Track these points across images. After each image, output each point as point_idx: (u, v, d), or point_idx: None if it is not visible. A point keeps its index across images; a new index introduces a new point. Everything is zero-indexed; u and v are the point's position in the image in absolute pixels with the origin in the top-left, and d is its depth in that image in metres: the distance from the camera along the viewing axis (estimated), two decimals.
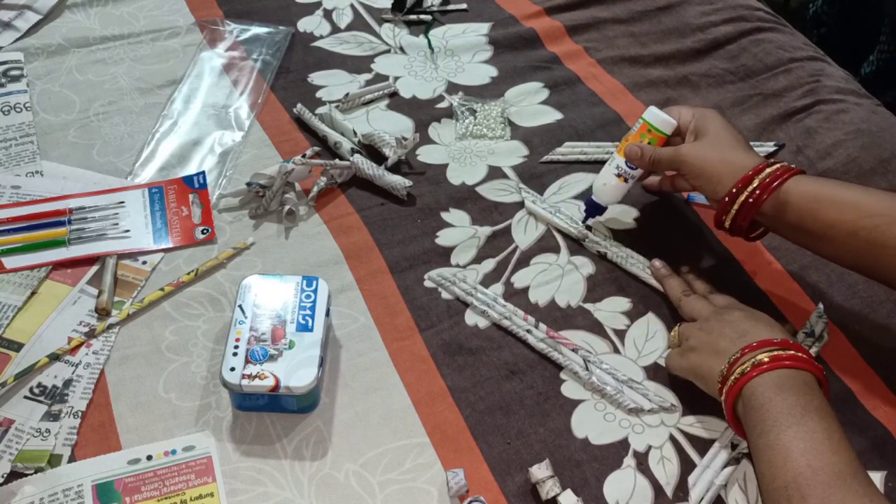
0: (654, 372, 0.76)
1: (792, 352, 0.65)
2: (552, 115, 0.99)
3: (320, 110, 0.96)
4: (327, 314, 0.74)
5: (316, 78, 1.02)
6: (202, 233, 0.85)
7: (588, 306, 0.80)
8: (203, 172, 0.89)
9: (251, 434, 0.70)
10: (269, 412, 0.71)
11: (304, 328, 0.71)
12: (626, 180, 0.82)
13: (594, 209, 0.84)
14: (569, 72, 1.04)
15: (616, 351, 0.77)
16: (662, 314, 0.80)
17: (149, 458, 0.68)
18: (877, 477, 0.69)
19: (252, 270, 0.82)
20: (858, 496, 0.56)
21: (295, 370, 0.69)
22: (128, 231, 0.84)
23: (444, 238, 0.86)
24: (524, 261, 0.84)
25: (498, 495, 0.68)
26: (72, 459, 0.68)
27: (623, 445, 0.71)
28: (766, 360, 0.64)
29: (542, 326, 0.78)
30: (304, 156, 0.89)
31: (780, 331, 0.69)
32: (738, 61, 1.06)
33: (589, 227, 0.86)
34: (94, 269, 0.81)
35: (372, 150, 0.93)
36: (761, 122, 0.98)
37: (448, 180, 0.91)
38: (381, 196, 0.89)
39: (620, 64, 1.06)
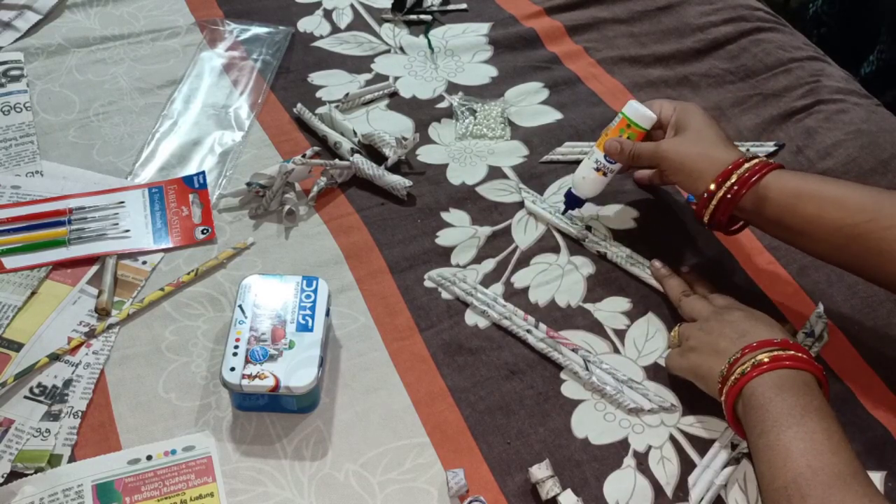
0: (654, 372, 0.76)
1: (792, 352, 0.65)
2: (552, 115, 0.99)
3: (320, 110, 0.96)
4: (327, 314, 0.74)
5: (316, 78, 1.02)
6: (202, 233, 0.85)
7: (588, 306, 0.80)
8: (203, 172, 0.89)
9: (251, 434, 0.70)
10: (269, 412, 0.71)
11: (304, 328, 0.71)
12: (605, 174, 0.82)
13: (573, 202, 0.84)
14: (569, 72, 1.04)
15: (616, 351, 0.77)
16: (662, 314, 0.80)
17: (149, 458, 0.68)
18: (877, 477, 0.69)
19: (252, 270, 0.82)
20: (858, 496, 0.56)
21: (295, 370, 0.69)
22: (128, 231, 0.84)
23: (444, 238, 0.86)
24: (524, 261, 0.84)
25: (498, 495, 0.68)
26: (72, 459, 0.68)
27: (623, 445, 0.71)
28: (766, 360, 0.64)
29: (542, 326, 0.78)
30: (304, 156, 0.89)
31: (779, 331, 0.69)
32: (738, 61, 1.06)
33: (588, 228, 0.86)
34: (94, 269, 0.81)
35: (372, 150, 0.93)
36: (761, 122, 0.98)
37: (448, 180, 0.91)
38: (381, 196, 0.89)
39: (620, 64, 1.06)
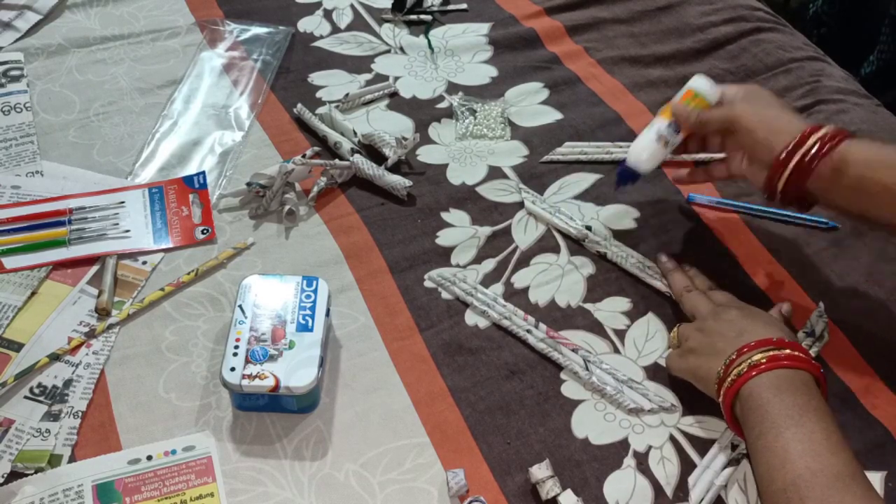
0: (654, 372, 0.76)
1: (788, 351, 0.65)
2: (552, 115, 0.99)
3: (320, 110, 0.96)
4: (327, 314, 0.74)
5: (316, 78, 1.02)
6: (202, 233, 0.85)
7: (588, 306, 0.80)
8: (203, 172, 0.89)
9: (251, 434, 0.70)
10: (269, 412, 0.71)
11: (304, 328, 0.71)
12: (665, 144, 0.78)
13: (627, 176, 0.80)
14: (569, 72, 1.04)
15: (616, 351, 0.77)
16: (662, 314, 0.80)
17: (149, 458, 0.68)
18: (876, 477, 0.69)
19: (252, 270, 0.82)
20: (857, 498, 0.56)
21: (295, 370, 0.69)
22: (128, 231, 0.84)
23: (444, 238, 0.86)
24: (524, 261, 0.84)
25: (498, 495, 0.68)
26: (72, 459, 0.68)
27: (623, 445, 0.71)
28: (762, 360, 0.64)
29: (542, 326, 0.78)
30: (304, 156, 0.89)
31: (778, 328, 0.68)
32: (738, 61, 1.06)
33: (589, 228, 0.86)
34: (95, 269, 0.81)
35: (372, 150, 0.93)
36: None
37: (448, 180, 0.91)
38: (381, 196, 0.89)
39: (620, 64, 1.06)
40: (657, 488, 0.68)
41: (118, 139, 0.94)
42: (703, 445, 0.71)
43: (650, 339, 0.78)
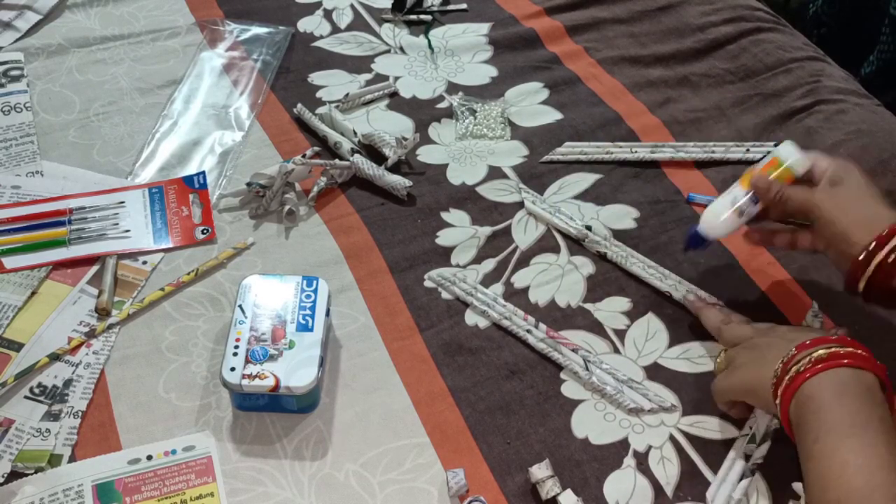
0: (654, 372, 0.76)
1: (850, 349, 0.62)
2: (552, 115, 0.99)
3: (320, 110, 0.96)
4: (327, 314, 0.74)
5: (316, 78, 1.02)
6: (202, 233, 0.85)
7: (588, 306, 0.80)
8: (203, 172, 0.89)
9: (251, 434, 0.70)
10: (269, 412, 0.71)
11: (304, 328, 0.71)
12: (740, 214, 0.73)
13: (696, 241, 0.76)
14: (569, 72, 1.04)
15: (616, 351, 0.77)
16: (662, 314, 0.80)
17: (149, 458, 0.68)
18: None
19: (252, 270, 0.82)
20: None
21: (295, 370, 0.69)
22: (128, 231, 0.84)
23: (444, 238, 0.86)
24: (524, 261, 0.84)
25: (498, 495, 0.68)
26: (72, 459, 0.68)
27: (623, 445, 0.71)
28: (823, 355, 0.61)
29: (542, 326, 0.78)
30: (304, 156, 0.89)
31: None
32: (738, 61, 1.06)
33: (589, 227, 0.86)
34: (95, 269, 0.81)
35: (372, 150, 0.93)
36: (761, 122, 0.98)
37: (448, 180, 0.91)
38: (381, 196, 0.89)
39: (620, 64, 1.06)
40: (657, 488, 0.68)
41: (118, 139, 0.94)
42: (703, 445, 0.71)
43: (650, 338, 0.78)
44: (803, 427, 0.60)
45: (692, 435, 0.71)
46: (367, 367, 0.75)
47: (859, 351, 0.62)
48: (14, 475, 0.66)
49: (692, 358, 0.77)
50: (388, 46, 1.07)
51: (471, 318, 0.79)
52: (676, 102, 1.01)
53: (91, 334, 0.76)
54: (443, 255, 0.84)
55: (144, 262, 0.82)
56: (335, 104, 0.97)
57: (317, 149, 0.92)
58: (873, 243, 0.66)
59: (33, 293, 0.78)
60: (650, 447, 0.71)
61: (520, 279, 0.82)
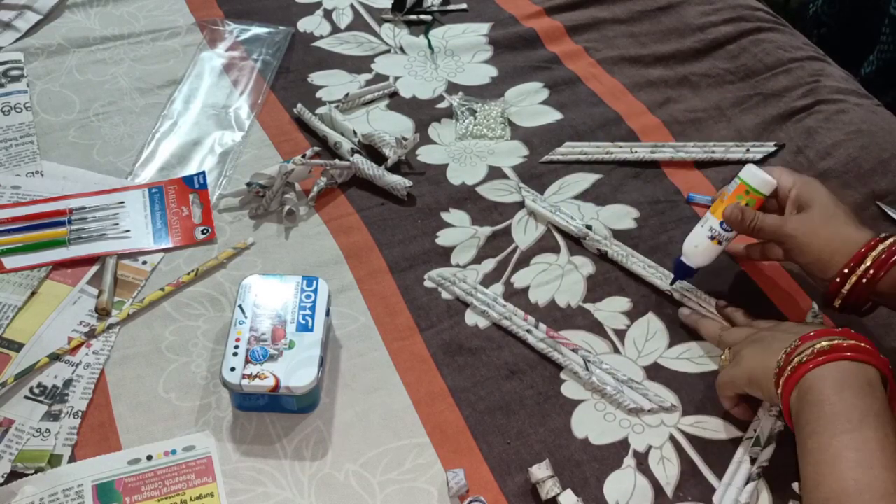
0: (654, 372, 0.76)
1: (854, 342, 0.62)
2: (552, 115, 0.99)
3: (320, 110, 0.96)
4: (327, 314, 0.74)
5: (316, 78, 1.02)
6: (202, 233, 0.85)
7: (588, 306, 0.80)
8: (203, 172, 0.89)
9: (251, 434, 0.70)
10: (269, 412, 0.71)
11: (304, 328, 0.71)
12: (719, 243, 0.75)
13: (683, 271, 0.78)
14: (569, 72, 1.04)
15: (616, 351, 0.77)
16: (662, 314, 0.80)
17: (149, 458, 0.68)
18: None
19: (252, 270, 0.82)
20: None
21: (295, 370, 0.69)
22: (128, 231, 0.84)
23: (444, 238, 0.86)
24: (524, 261, 0.84)
25: (498, 495, 0.68)
26: (72, 459, 0.68)
27: (623, 445, 0.71)
28: (826, 347, 0.61)
29: (542, 326, 0.78)
30: (304, 156, 0.89)
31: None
32: (738, 61, 1.06)
33: (589, 227, 0.86)
34: (94, 269, 0.81)
35: (372, 150, 0.93)
36: (761, 122, 0.98)
37: (448, 180, 0.91)
38: (381, 196, 0.89)
39: (620, 64, 1.06)
40: (657, 488, 0.68)
41: (118, 139, 0.94)
42: (703, 445, 0.71)
43: (650, 338, 0.78)
44: (801, 419, 0.61)
45: (692, 435, 0.71)
46: (367, 367, 0.75)
47: (863, 344, 0.62)
48: (14, 475, 0.66)
49: (692, 358, 0.77)
50: (388, 46, 1.07)
51: (471, 318, 0.79)
52: (676, 102, 1.01)
53: (91, 334, 0.76)
54: (443, 255, 0.84)
55: (144, 262, 0.82)
56: (335, 104, 0.97)
57: (317, 149, 0.92)
58: (846, 267, 0.69)
59: (33, 293, 0.78)
60: (650, 447, 0.71)
61: (520, 279, 0.82)
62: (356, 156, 0.89)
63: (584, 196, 0.90)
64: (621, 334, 0.78)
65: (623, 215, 0.88)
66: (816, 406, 0.60)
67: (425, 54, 1.06)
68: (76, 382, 0.73)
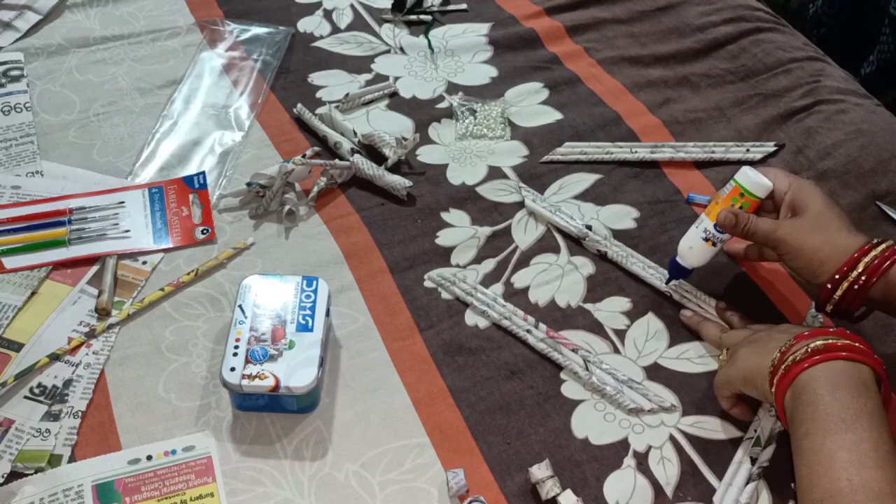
0: (654, 372, 0.76)
1: (848, 341, 0.62)
2: (552, 116, 0.99)
3: (320, 110, 0.96)
4: (327, 314, 0.74)
5: (316, 78, 1.02)
6: (202, 233, 0.85)
7: (588, 306, 0.80)
8: (203, 172, 0.89)
9: (251, 434, 0.70)
10: (269, 412, 0.71)
11: (304, 328, 0.71)
12: (714, 244, 0.76)
13: (678, 272, 0.78)
14: (569, 72, 1.04)
15: (616, 351, 0.77)
16: (662, 314, 0.80)
17: (149, 458, 0.68)
18: None
19: (252, 270, 0.82)
20: None
21: (295, 370, 0.69)
22: (128, 231, 0.84)
23: (444, 238, 0.86)
24: (524, 261, 0.84)
25: (498, 495, 0.68)
26: (72, 459, 0.68)
27: (623, 445, 0.71)
28: (821, 346, 0.62)
29: (542, 326, 0.78)
30: (304, 156, 0.89)
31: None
32: (738, 61, 1.06)
33: (589, 227, 0.86)
34: (94, 269, 0.81)
35: (372, 150, 0.93)
36: (761, 122, 0.98)
37: (448, 180, 0.91)
38: (381, 196, 0.89)
39: (620, 64, 1.06)
40: (657, 488, 0.68)
41: (118, 139, 0.94)
42: (703, 446, 0.71)
43: (650, 338, 0.78)
44: (795, 419, 0.61)
45: (692, 435, 0.71)
46: (367, 367, 0.75)
47: (857, 344, 0.63)
48: (14, 475, 0.66)
49: (692, 358, 0.77)
50: (388, 46, 1.07)
51: (471, 318, 0.79)
52: (676, 102, 1.01)
53: (91, 334, 0.76)
54: (443, 256, 0.84)
55: (144, 262, 0.82)
56: (335, 104, 0.97)
57: (317, 149, 0.92)
58: (837, 273, 0.68)
59: (33, 293, 0.78)
60: (650, 447, 0.71)
61: (520, 279, 0.82)
62: (356, 156, 0.89)
63: (584, 196, 0.90)
64: (621, 334, 0.78)
65: (623, 215, 0.88)
66: (810, 406, 0.60)
67: (425, 54, 1.06)
68: (76, 382, 0.73)
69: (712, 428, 0.72)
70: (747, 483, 0.68)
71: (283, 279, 0.75)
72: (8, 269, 0.80)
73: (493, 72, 1.04)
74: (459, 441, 0.71)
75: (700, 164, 0.93)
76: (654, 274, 0.82)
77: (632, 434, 0.71)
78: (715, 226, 0.75)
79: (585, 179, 0.92)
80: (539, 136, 0.96)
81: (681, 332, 0.79)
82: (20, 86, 0.98)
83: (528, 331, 0.77)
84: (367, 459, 0.69)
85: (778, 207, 0.75)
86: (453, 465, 0.69)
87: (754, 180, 0.74)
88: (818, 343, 0.63)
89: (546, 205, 0.88)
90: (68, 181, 0.88)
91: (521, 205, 0.89)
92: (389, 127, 0.96)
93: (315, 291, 0.74)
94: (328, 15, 1.11)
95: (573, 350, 0.76)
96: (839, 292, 0.69)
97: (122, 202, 0.86)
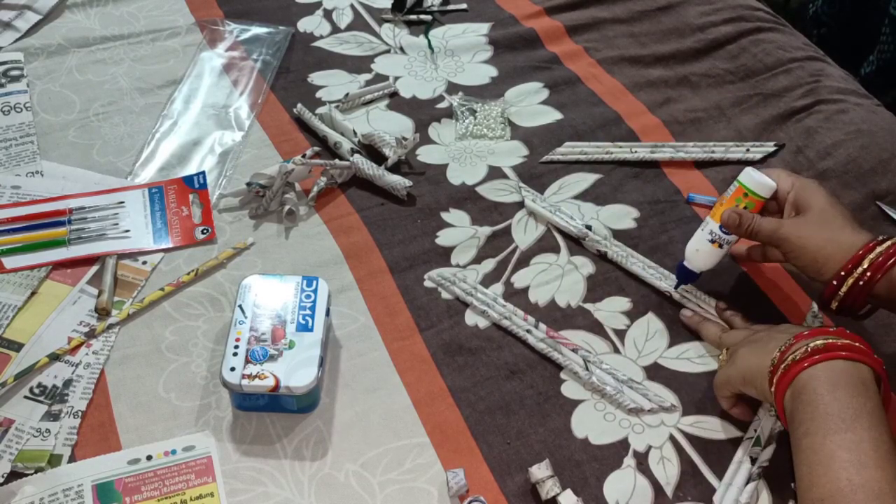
0: (654, 372, 0.76)
1: (847, 341, 0.63)
2: (552, 115, 0.99)
3: (320, 110, 0.96)
4: (327, 314, 0.74)
5: (316, 78, 1.02)
6: (202, 233, 0.85)
7: (588, 306, 0.80)
8: (203, 172, 0.89)
9: (251, 434, 0.70)
10: (269, 412, 0.71)
11: (304, 328, 0.71)
12: (720, 246, 0.76)
13: (686, 276, 0.78)
14: (569, 72, 1.04)
15: (616, 351, 0.77)
16: (662, 314, 0.80)
17: (149, 458, 0.68)
18: None
19: (252, 270, 0.82)
20: None
21: (295, 370, 0.69)
22: (128, 231, 0.84)
23: (444, 238, 0.86)
24: (524, 261, 0.84)
25: (498, 495, 0.68)
26: (72, 459, 0.68)
27: (623, 445, 0.71)
28: (820, 345, 0.62)
29: (542, 326, 0.78)
30: (304, 156, 0.89)
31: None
32: (738, 61, 1.06)
33: (589, 227, 0.86)
34: (94, 269, 0.81)
35: (372, 150, 0.93)
36: (761, 122, 0.98)
37: (448, 180, 0.91)
38: (381, 196, 0.89)
39: (620, 64, 1.06)
40: (657, 488, 0.68)
41: (118, 139, 0.94)
42: (703, 445, 0.71)
43: (650, 338, 0.78)
44: (795, 419, 0.61)
45: (692, 435, 0.71)
46: (367, 367, 0.75)
47: (857, 343, 0.63)
48: (14, 475, 0.66)
49: (692, 358, 0.77)
50: (388, 46, 1.07)
51: (471, 318, 0.79)
52: (676, 102, 1.01)
53: (91, 334, 0.76)
54: (443, 255, 0.84)
55: (144, 262, 0.82)
56: (335, 104, 0.97)
57: (317, 149, 0.92)
58: (842, 270, 0.69)
59: (33, 293, 0.78)
60: (650, 447, 0.71)
61: (520, 279, 0.82)
62: (356, 156, 0.89)
63: (584, 196, 0.90)
64: (621, 334, 0.78)
65: (623, 215, 0.88)
66: (810, 405, 0.60)
67: (425, 54, 1.06)
68: (76, 382, 0.73)
69: (712, 428, 0.72)
70: (747, 483, 0.68)
71: (283, 279, 0.75)
72: (8, 269, 0.80)
73: (493, 72, 1.04)
74: (459, 441, 0.71)
75: (700, 164, 0.93)
76: (654, 274, 0.82)
77: (632, 434, 0.71)
78: (720, 227, 0.75)
79: (585, 179, 0.92)
80: (539, 136, 0.96)
81: (681, 332, 0.79)
82: (20, 86, 0.98)
83: (528, 331, 0.77)
84: (367, 459, 0.69)
85: (782, 207, 0.75)
86: (453, 465, 0.69)
87: (758, 180, 0.74)
88: (818, 342, 0.63)
89: (546, 205, 0.88)
90: (68, 181, 0.88)
91: (521, 205, 0.89)
92: (389, 127, 0.96)
93: (315, 291, 0.74)
94: (328, 15, 1.11)
95: (573, 350, 0.76)
96: (844, 289, 0.69)
97: (122, 202, 0.86)
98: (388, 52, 1.06)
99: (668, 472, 0.69)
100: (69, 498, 0.65)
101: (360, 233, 0.86)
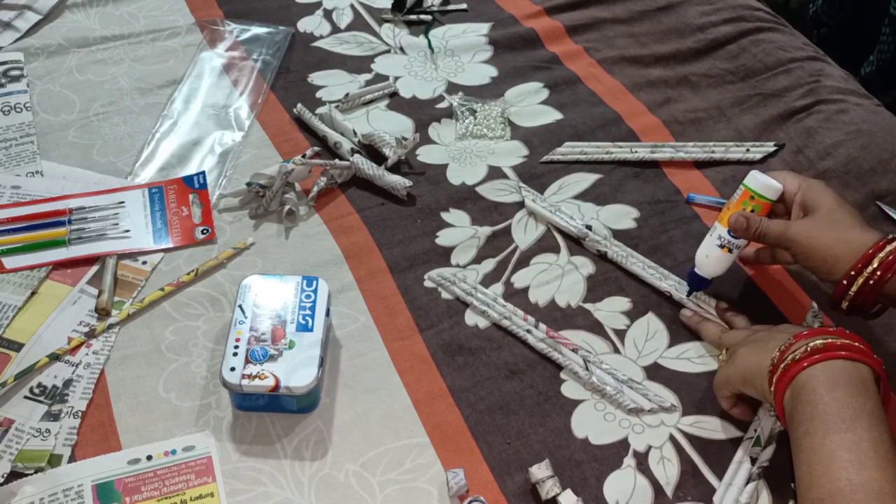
0: (654, 372, 0.76)
1: (847, 341, 0.63)
2: (552, 115, 0.99)
3: (320, 110, 0.96)
4: (327, 314, 0.74)
5: (316, 78, 1.02)
6: (202, 233, 0.85)
7: (588, 306, 0.80)
8: (203, 172, 0.89)
9: (251, 434, 0.70)
10: (269, 412, 0.71)
11: (304, 328, 0.71)
12: (730, 251, 0.75)
13: (697, 282, 0.78)
14: (569, 72, 1.04)
15: (616, 351, 0.77)
16: (662, 314, 0.80)
17: (149, 458, 0.68)
18: None
19: (252, 270, 0.82)
20: None
21: (295, 370, 0.69)
22: (128, 231, 0.84)
23: (444, 238, 0.86)
24: (524, 261, 0.84)
25: (498, 495, 0.68)
26: (72, 459, 0.68)
27: (623, 445, 0.71)
28: (820, 345, 0.62)
29: (542, 326, 0.78)
30: (304, 156, 0.89)
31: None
32: (738, 61, 1.06)
33: (589, 227, 0.86)
34: (94, 269, 0.81)
35: (372, 150, 0.93)
36: (761, 122, 0.98)
37: (448, 180, 0.91)
38: (381, 196, 0.89)
39: (620, 64, 1.06)
40: (657, 488, 0.68)
41: (118, 139, 0.94)
42: (703, 445, 0.71)
43: (650, 338, 0.78)
44: (794, 419, 0.61)
45: (692, 435, 0.71)
46: (367, 367, 0.75)
47: (856, 343, 0.63)
48: (14, 475, 0.66)
49: (692, 358, 0.77)
50: (388, 46, 1.07)
51: (471, 318, 0.79)
52: (676, 102, 1.01)
53: (91, 334, 0.76)
54: (443, 255, 0.84)
55: (144, 262, 0.82)
56: (335, 104, 0.97)
57: (317, 149, 0.92)
58: (852, 270, 0.68)
59: (33, 293, 0.78)
60: (650, 447, 0.71)
61: (520, 279, 0.82)
62: (356, 156, 0.89)
63: (584, 196, 0.90)
64: (621, 334, 0.78)
65: (623, 215, 0.88)
66: (809, 405, 0.60)
67: (425, 54, 1.06)
68: (76, 382, 0.73)
69: (712, 428, 0.72)
70: (747, 483, 0.68)
71: (283, 279, 0.75)
72: (8, 269, 0.80)
73: (493, 72, 1.04)
74: (459, 441, 0.71)
75: (700, 164, 0.93)
76: (654, 274, 0.82)
77: (632, 434, 0.71)
78: (729, 231, 0.75)
79: (585, 179, 0.92)
80: (539, 136, 0.96)
81: (681, 332, 0.79)
82: (20, 86, 0.98)
83: (528, 331, 0.77)
84: (367, 459, 0.69)
85: (789, 209, 0.75)
86: (453, 464, 0.69)
87: (764, 183, 0.74)
88: (817, 342, 0.63)
89: (546, 205, 0.88)
90: (68, 181, 0.88)
91: (521, 205, 0.89)
92: (389, 127, 0.96)
93: (315, 291, 0.74)
94: (328, 15, 1.11)
95: (573, 350, 0.76)
96: (854, 289, 0.69)
97: (122, 202, 0.86)
98: (388, 52, 1.06)
99: (668, 472, 0.69)
100: (69, 498, 0.65)
101: (360, 233, 0.86)
